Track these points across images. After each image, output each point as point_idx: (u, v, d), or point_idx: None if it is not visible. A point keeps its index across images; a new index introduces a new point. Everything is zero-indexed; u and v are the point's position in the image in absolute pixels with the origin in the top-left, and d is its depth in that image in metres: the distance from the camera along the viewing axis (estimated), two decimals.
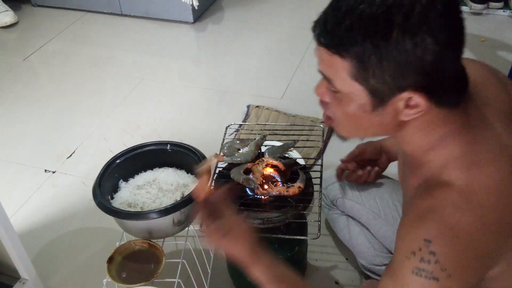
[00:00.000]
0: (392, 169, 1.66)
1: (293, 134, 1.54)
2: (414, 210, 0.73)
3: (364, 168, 1.27)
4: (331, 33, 0.67)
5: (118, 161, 1.27)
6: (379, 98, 0.70)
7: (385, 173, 1.37)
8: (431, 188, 0.72)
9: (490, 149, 0.72)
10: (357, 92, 0.70)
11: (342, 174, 1.31)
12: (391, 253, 1.28)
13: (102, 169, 1.23)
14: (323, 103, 0.79)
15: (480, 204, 0.68)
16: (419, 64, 0.64)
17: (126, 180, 1.29)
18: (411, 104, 0.69)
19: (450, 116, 0.73)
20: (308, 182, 1.19)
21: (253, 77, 2.28)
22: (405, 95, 0.68)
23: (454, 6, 0.66)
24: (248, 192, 1.17)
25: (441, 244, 0.68)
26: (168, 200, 1.21)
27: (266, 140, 1.29)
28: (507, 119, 0.77)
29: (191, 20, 2.68)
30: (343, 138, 0.83)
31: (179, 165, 1.32)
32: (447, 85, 0.69)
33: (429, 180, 0.74)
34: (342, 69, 0.68)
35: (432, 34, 0.63)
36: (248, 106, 2.05)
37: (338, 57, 0.67)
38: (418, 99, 0.68)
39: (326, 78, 0.73)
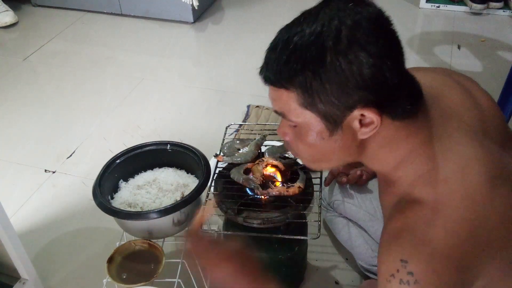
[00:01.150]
0: None
1: None
2: (389, 231, 0.73)
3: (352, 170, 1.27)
4: (272, 70, 0.71)
5: (118, 161, 1.27)
6: (333, 122, 0.71)
7: None
8: (402, 207, 0.72)
9: (456, 162, 0.72)
10: (311, 120, 0.72)
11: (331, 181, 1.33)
12: None
13: (102, 169, 1.23)
14: (287, 144, 0.82)
15: (451, 219, 0.68)
16: (359, 79, 0.66)
17: (126, 180, 1.29)
18: (366, 122, 0.70)
19: (410, 128, 0.73)
20: (308, 182, 1.19)
21: (253, 77, 2.25)
22: (356, 113, 0.69)
23: (380, 20, 0.68)
24: (248, 192, 1.17)
25: (417, 263, 0.67)
26: (168, 200, 1.21)
27: (266, 140, 1.29)
28: (472, 129, 0.77)
29: (191, 20, 2.68)
30: (312, 170, 0.84)
31: (179, 165, 1.32)
32: (395, 96, 0.69)
33: (402, 198, 0.74)
34: (291, 101, 0.71)
35: (363, 49, 0.65)
36: (248, 106, 2.05)
37: (284, 91, 0.71)
38: (370, 114, 0.68)
39: (282, 115, 0.75)
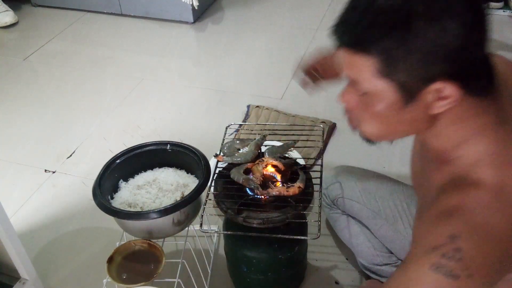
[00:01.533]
0: (394, 169, 1.67)
1: (293, 134, 1.54)
2: (440, 207, 0.70)
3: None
4: (352, 32, 0.66)
5: (118, 161, 1.27)
6: (409, 93, 0.67)
7: (386, 173, 1.37)
8: (460, 186, 0.70)
9: None
10: (385, 90, 0.68)
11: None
12: (391, 252, 1.28)
13: (102, 169, 1.23)
14: (348, 110, 0.77)
15: (511, 204, 0.66)
16: (446, 50, 0.63)
17: (126, 180, 1.29)
18: (442, 95, 0.67)
19: (481, 107, 0.70)
20: (308, 182, 1.19)
21: (253, 77, 2.28)
22: (436, 86, 0.65)
23: None
24: (248, 192, 1.17)
25: (469, 242, 0.65)
26: (168, 200, 1.21)
27: (266, 140, 1.29)
28: None
29: (191, 20, 2.68)
30: (371, 142, 0.80)
31: (179, 165, 1.32)
32: (476, 71, 0.67)
33: (458, 177, 0.71)
34: (367, 68, 0.67)
35: (455, 18, 0.61)
36: (248, 106, 2.05)
37: (362, 56, 0.66)
38: (449, 88, 0.65)
39: (351, 81, 0.71)
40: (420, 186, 0.84)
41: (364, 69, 0.67)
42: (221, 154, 1.27)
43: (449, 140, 0.73)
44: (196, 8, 2.62)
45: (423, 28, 0.61)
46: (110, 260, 1.14)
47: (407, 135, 0.77)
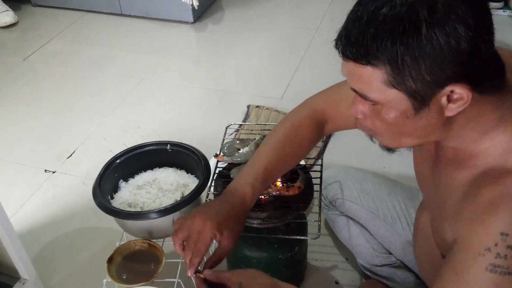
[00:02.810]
0: (393, 170, 1.67)
1: None
2: (479, 202, 0.68)
3: None
4: (357, 44, 0.65)
5: (118, 161, 1.27)
6: (421, 100, 0.66)
7: (385, 173, 1.37)
8: (497, 177, 0.68)
9: None
10: (396, 99, 0.67)
11: None
12: (390, 253, 1.28)
13: (102, 169, 1.23)
14: (359, 120, 0.77)
15: None
16: (456, 54, 0.62)
17: (126, 180, 1.29)
18: (454, 98, 0.66)
19: (497, 101, 0.70)
20: (308, 182, 1.19)
21: (253, 77, 2.28)
22: (447, 89, 0.65)
23: None
24: None
25: None
26: (168, 200, 1.21)
27: None
28: None
29: (191, 20, 2.68)
30: (391, 150, 0.79)
31: (179, 165, 1.32)
32: (487, 70, 0.66)
33: (491, 169, 0.70)
34: (375, 79, 0.66)
35: (461, 21, 0.61)
36: (248, 106, 2.05)
37: (369, 67, 0.65)
38: (460, 91, 0.65)
39: (360, 94, 0.71)
40: (435, 189, 0.83)
41: (372, 80, 0.67)
42: (221, 154, 1.27)
43: (468, 138, 0.72)
44: (196, 8, 2.62)
45: (429, 33, 0.61)
46: (110, 260, 1.14)
47: (424, 140, 0.76)
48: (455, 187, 0.75)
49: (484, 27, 0.64)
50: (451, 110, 0.68)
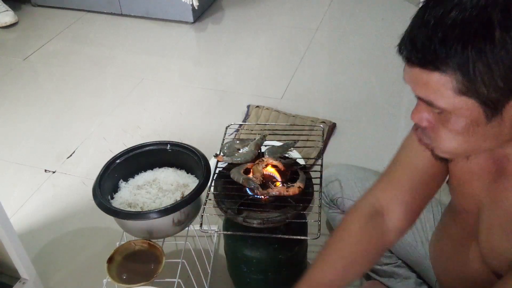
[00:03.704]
0: None
1: (293, 134, 1.54)
2: None
3: None
4: (424, 49, 0.61)
5: (118, 161, 1.27)
6: (493, 108, 0.62)
7: None
8: None
9: None
10: (466, 107, 0.63)
11: None
12: (391, 253, 1.28)
13: (102, 169, 1.23)
14: (420, 128, 0.73)
15: None
16: None
17: (126, 180, 1.29)
18: None
19: None
20: (308, 182, 1.19)
21: (253, 77, 2.28)
22: None
23: None
24: (248, 192, 1.17)
25: None
26: (168, 200, 1.21)
27: (266, 140, 1.29)
28: None
29: (191, 20, 2.68)
30: (445, 159, 0.76)
31: (179, 165, 1.32)
32: None
33: None
34: (444, 86, 0.62)
35: None
36: (248, 106, 2.05)
37: (437, 74, 0.62)
38: None
39: (426, 101, 0.67)
40: (494, 206, 0.79)
41: (440, 87, 0.63)
42: (221, 154, 1.27)
43: None
44: (196, 8, 2.62)
45: (503, 38, 0.58)
46: (110, 260, 1.14)
47: (490, 150, 0.72)
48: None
49: None
50: None
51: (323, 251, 0.94)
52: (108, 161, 1.26)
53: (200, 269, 1.30)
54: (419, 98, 0.68)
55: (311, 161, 1.63)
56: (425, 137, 0.73)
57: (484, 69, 0.59)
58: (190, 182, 1.27)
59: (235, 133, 1.88)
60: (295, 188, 1.13)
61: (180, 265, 1.17)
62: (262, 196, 1.15)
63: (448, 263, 0.98)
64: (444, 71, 0.61)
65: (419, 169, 0.89)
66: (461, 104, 0.63)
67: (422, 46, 0.61)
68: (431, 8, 0.61)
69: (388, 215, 0.93)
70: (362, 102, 2.05)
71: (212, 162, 1.26)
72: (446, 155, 0.74)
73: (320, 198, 1.19)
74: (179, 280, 1.15)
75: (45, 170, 1.82)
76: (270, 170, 1.18)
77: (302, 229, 1.22)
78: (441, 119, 0.68)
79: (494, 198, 0.78)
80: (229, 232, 1.17)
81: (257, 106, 2.03)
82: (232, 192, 1.17)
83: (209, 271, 1.37)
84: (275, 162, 1.19)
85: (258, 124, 1.88)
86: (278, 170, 1.18)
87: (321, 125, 1.44)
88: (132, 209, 1.19)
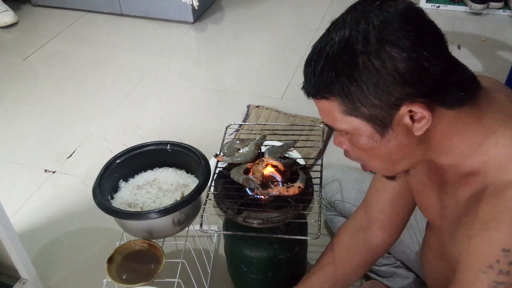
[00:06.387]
0: None
1: (293, 134, 1.54)
2: (480, 218, 0.68)
3: None
4: (310, 83, 0.71)
5: (118, 161, 1.27)
6: (381, 123, 0.69)
7: None
8: (496, 191, 0.68)
9: None
10: (358, 126, 0.71)
11: None
12: (390, 253, 1.28)
13: (102, 169, 1.23)
14: (346, 152, 0.81)
15: None
16: (396, 75, 0.64)
17: (126, 180, 1.29)
18: (417, 117, 0.67)
19: (478, 112, 0.70)
20: (308, 182, 1.19)
21: (253, 77, 2.28)
22: (404, 110, 0.66)
23: (409, 13, 0.66)
24: (248, 192, 1.17)
25: None
26: (168, 200, 1.21)
27: (266, 140, 1.29)
28: None
29: (191, 20, 2.68)
30: (390, 177, 0.81)
31: (179, 165, 1.32)
32: (442, 85, 0.66)
33: (490, 183, 0.69)
34: (334, 111, 0.71)
35: (394, 45, 0.63)
36: (248, 106, 2.05)
37: (325, 101, 0.71)
38: (418, 109, 0.66)
39: (330, 126, 0.75)
40: (444, 212, 0.82)
41: (332, 112, 0.71)
42: (221, 154, 1.27)
43: (459, 153, 0.72)
44: (196, 8, 2.62)
45: (366, 62, 0.65)
46: (110, 260, 1.14)
47: (411, 161, 0.76)
48: (458, 208, 0.75)
49: (423, 46, 0.64)
50: (419, 129, 0.68)
51: (315, 267, 1.10)
52: (108, 161, 1.26)
53: (200, 269, 1.30)
54: (327, 125, 0.76)
55: (311, 161, 1.63)
56: (354, 159, 0.80)
57: (357, 91, 0.67)
58: (190, 182, 1.27)
59: (235, 133, 1.88)
60: (295, 188, 1.13)
61: (180, 265, 1.17)
62: (262, 196, 1.15)
63: (432, 275, 0.99)
64: (329, 98, 0.70)
65: (393, 187, 0.98)
66: (353, 124, 0.71)
67: (309, 80, 0.71)
68: (314, 47, 0.71)
69: (372, 232, 1.04)
70: None
71: (212, 162, 1.26)
72: (384, 173, 0.81)
73: (320, 198, 1.19)
74: (179, 280, 1.15)
75: (45, 170, 1.82)
76: (270, 170, 1.18)
77: (302, 229, 1.22)
78: (350, 140, 0.76)
79: (442, 205, 0.82)
80: (229, 232, 1.18)
81: (257, 106, 2.03)
82: (232, 192, 1.17)
83: (209, 271, 1.37)
84: (275, 162, 1.19)
85: (258, 124, 1.88)
86: (278, 170, 1.18)
87: (321, 125, 1.44)
88: (132, 209, 1.19)
